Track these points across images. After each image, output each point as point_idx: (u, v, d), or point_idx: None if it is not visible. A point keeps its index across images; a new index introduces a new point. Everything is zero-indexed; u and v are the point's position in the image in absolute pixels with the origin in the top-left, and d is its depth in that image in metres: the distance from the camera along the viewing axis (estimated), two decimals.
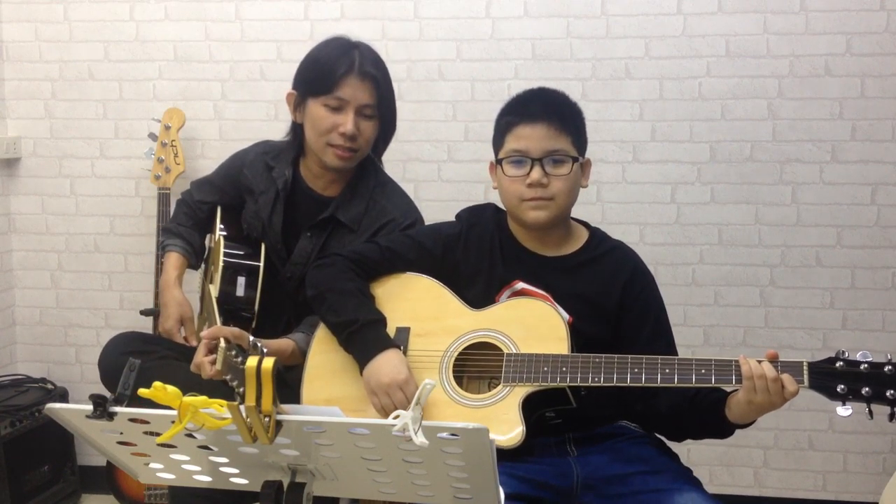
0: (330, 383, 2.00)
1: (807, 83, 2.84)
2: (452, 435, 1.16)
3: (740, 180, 2.90)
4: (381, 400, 1.86)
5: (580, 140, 1.96)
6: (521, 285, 1.94)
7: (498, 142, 1.98)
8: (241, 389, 1.89)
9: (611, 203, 2.93)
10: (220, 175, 2.51)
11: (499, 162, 1.97)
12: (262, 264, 2.31)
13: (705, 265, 2.94)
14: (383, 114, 2.27)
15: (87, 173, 3.18)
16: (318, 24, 3.01)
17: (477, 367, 1.90)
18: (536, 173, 1.89)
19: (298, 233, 2.33)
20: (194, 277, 2.79)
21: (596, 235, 2.04)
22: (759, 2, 2.83)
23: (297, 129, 2.33)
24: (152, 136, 2.98)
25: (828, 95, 2.84)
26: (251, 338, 1.95)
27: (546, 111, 1.92)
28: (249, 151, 2.47)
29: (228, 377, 1.95)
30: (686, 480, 1.81)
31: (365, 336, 1.93)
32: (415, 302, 2.00)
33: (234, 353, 1.94)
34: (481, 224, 2.04)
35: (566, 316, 1.89)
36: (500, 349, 1.87)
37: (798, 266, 2.91)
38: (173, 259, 2.44)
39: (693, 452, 3.00)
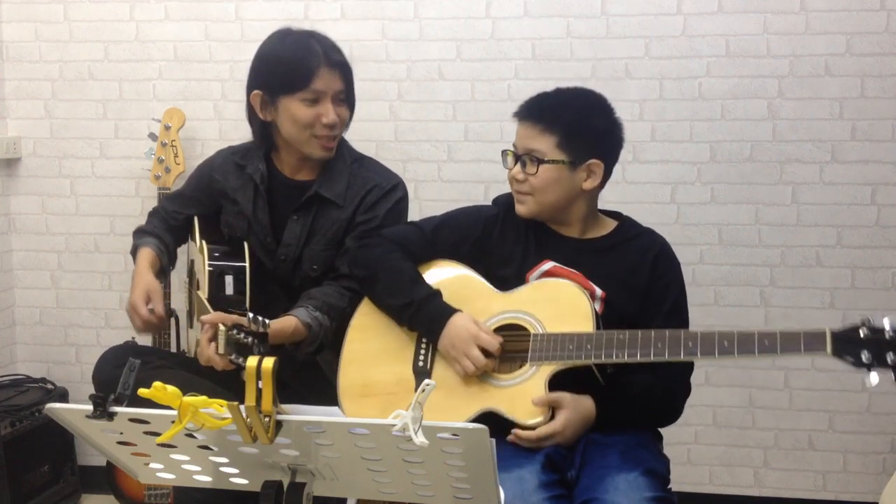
0: (366, 368, 2.05)
1: (807, 83, 2.84)
2: (452, 435, 1.16)
3: (740, 180, 2.90)
4: (463, 364, 1.91)
5: (573, 144, 1.99)
6: (550, 264, 2.00)
7: None
8: None
9: (611, 203, 2.90)
10: (190, 186, 2.54)
11: (503, 154, 2.08)
12: (247, 264, 2.32)
13: (705, 265, 2.94)
14: (351, 90, 2.34)
15: (87, 173, 3.18)
16: (318, 24, 2.99)
17: (506, 348, 1.94)
18: (515, 169, 2.03)
19: (284, 221, 2.36)
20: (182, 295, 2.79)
21: (626, 223, 2.12)
22: (759, 2, 2.83)
23: (265, 128, 2.36)
24: (152, 136, 2.98)
25: (828, 95, 2.84)
26: (250, 314, 1.96)
27: (534, 111, 2.01)
28: (215, 157, 2.52)
29: (233, 356, 1.96)
30: (638, 464, 1.79)
31: (427, 313, 1.99)
32: (445, 288, 2.04)
33: (234, 331, 1.95)
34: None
35: (599, 292, 1.95)
36: (528, 330, 1.91)
37: (798, 266, 2.91)
38: (145, 253, 2.41)
39: (693, 452, 3.00)
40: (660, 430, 2.07)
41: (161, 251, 2.45)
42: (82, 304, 3.23)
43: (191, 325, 2.61)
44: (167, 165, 2.93)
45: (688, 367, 2.02)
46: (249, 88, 2.35)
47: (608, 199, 2.91)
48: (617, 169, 2.92)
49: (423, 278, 2.07)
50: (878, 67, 2.81)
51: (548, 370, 1.85)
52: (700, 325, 2.89)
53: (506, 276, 2.03)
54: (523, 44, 2.94)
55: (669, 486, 1.86)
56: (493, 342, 1.91)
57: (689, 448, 3.00)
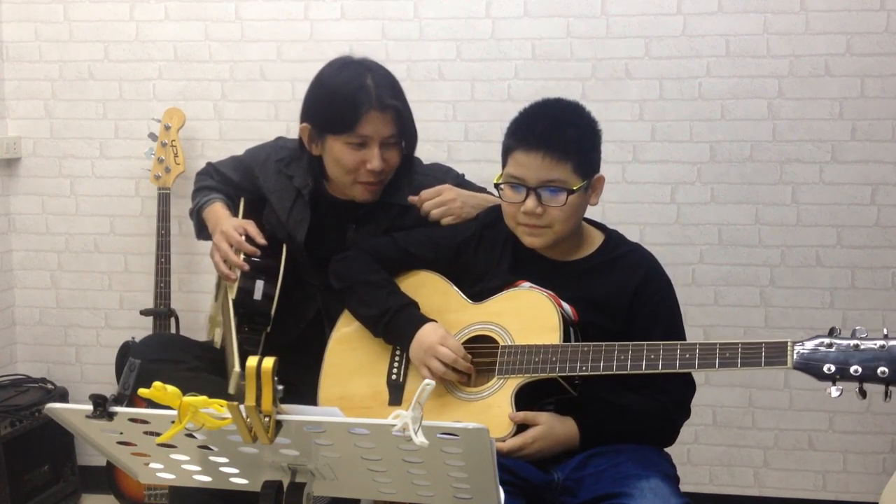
0: (344, 381, 2.04)
1: (807, 83, 2.84)
2: (452, 435, 1.16)
3: (740, 180, 2.90)
4: (430, 365, 1.89)
5: (585, 164, 1.91)
6: (526, 285, 1.95)
7: (503, 162, 1.96)
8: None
9: (611, 203, 2.93)
10: (237, 171, 2.41)
11: (497, 185, 1.96)
12: (281, 268, 2.24)
13: (705, 265, 2.94)
14: (405, 135, 2.19)
15: (87, 173, 3.18)
16: (318, 24, 3.01)
17: (477, 360, 1.93)
18: (530, 203, 1.87)
19: (324, 239, 2.25)
20: (211, 279, 2.79)
21: (612, 239, 2.02)
22: (759, 2, 2.83)
23: (312, 157, 2.22)
24: (152, 136, 2.98)
25: (828, 95, 2.84)
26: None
27: (545, 138, 1.87)
28: (258, 153, 2.39)
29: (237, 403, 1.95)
30: (655, 469, 1.78)
31: (400, 322, 1.97)
32: (419, 299, 2.03)
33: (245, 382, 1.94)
34: (497, 225, 2.03)
35: (568, 309, 1.90)
36: (497, 341, 1.90)
37: (798, 266, 2.91)
38: (218, 206, 2.32)
39: (693, 452, 3.00)
40: None
41: (230, 207, 2.34)
42: (82, 304, 3.23)
43: (216, 298, 2.54)
44: (167, 165, 2.94)
45: (689, 391, 1.96)
46: (301, 118, 2.20)
47: (609, 199, 2.93)
48: (617, 169, 2.96)
49: (399, 289, 2.05)
50: (878, 67, 2.81)
51: (514, 383, 1.82)
52: (700, 326, 2.93)
53: (480, 294, 1.99)
54: (523, 44, 2.94)
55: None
56: (460, 348, 1.89)
57: (689, 448, 3.00)
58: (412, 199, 2.20)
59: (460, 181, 2.33)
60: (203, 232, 2.38)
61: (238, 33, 3.06)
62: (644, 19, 2.88)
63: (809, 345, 1.60)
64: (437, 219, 2.17)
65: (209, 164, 2.50)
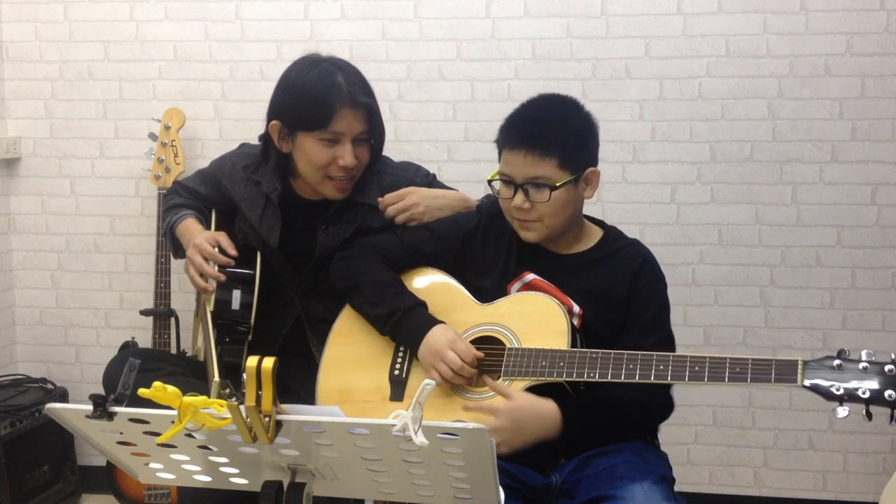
0: (345, 373, 2.04)
1: (807, 83, 2.84)
2: (452, 435, 1.16)
3: (740, 180, 2.90)
4: (439, 369, 1.89)
5: (573, 158, 1.92)
6: (531, 276, 1.97)
7: (498, 159, 2.00)
8: None
9: (611, 203, 2.93)
10: (204, 184, 2.42)
11: (490, 182, 2.00)
12: (257, 275, 2.25)
13: (705, 265, 2.94)
14: (375, 132, 2.20)
15: (87, 173, 3.18)
16: (318, 24, 3.01)
17: (482, 361, 1.93)
18: (518, 199, 1.93)
19: (297, 242, 2.27)
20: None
21: (611, 234, 2.06)
22: (759, 2, 2.83)
23: (281, 156, 2.22)
24: (152, 136, 2.98)
25: (828, 95, 2.84)
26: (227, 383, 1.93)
27: (526, 137, 1.91)
28: (224, 163, 2.39)
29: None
30: (649, 472, 1.78)
31: (409, 323, 1.97)
32: (426, 297, 2.03)
33: (228, 391, 1.94)
34: (501, 216, 2.05)
35: (576, 308, 1.91)
36: (503, 343, 1.90)
37: (798, 266, 2.91)
38: (190, 222, 2.33)
39: (693, 452, 3.00)
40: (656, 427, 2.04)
41: (201, 221, 2.35)
42: (82, 304, 3.23)
43: (197, 313, 2.56)
44: (167, 165, 2.93)
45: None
46: (269, 116, 2.20)
47: (608, 199, 2.93)
48: (617, 169, 2.96)
49: (406, 288, 2.06)
50: (878, 67, 2.81)
51: (519, 386, 1.83)
52: (700, 326, 2.93)
53: (486, 287, 2.00)
54: (523, 44, 2.94)
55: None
56: (469, 351, 1.89)
57: (689, 448, 3.00)
58: (379, 199, 2.22)
59: (430, 181, 2.33)
60: (179, 251, 2.37)
61: (238, 33, 3.06)
62: (644, 19, 2.88)
63: (820, 365, 1.63)
64: (401, 223, 2.20)
65: (175, 183, 2.53)
